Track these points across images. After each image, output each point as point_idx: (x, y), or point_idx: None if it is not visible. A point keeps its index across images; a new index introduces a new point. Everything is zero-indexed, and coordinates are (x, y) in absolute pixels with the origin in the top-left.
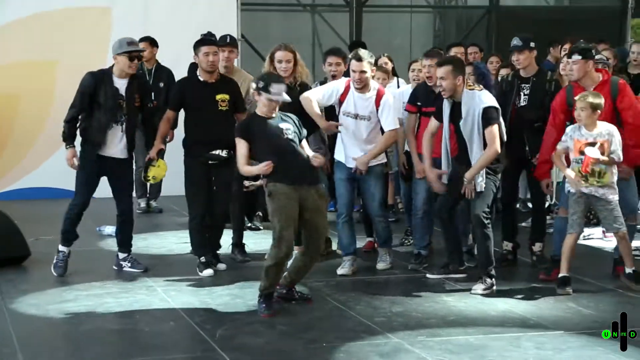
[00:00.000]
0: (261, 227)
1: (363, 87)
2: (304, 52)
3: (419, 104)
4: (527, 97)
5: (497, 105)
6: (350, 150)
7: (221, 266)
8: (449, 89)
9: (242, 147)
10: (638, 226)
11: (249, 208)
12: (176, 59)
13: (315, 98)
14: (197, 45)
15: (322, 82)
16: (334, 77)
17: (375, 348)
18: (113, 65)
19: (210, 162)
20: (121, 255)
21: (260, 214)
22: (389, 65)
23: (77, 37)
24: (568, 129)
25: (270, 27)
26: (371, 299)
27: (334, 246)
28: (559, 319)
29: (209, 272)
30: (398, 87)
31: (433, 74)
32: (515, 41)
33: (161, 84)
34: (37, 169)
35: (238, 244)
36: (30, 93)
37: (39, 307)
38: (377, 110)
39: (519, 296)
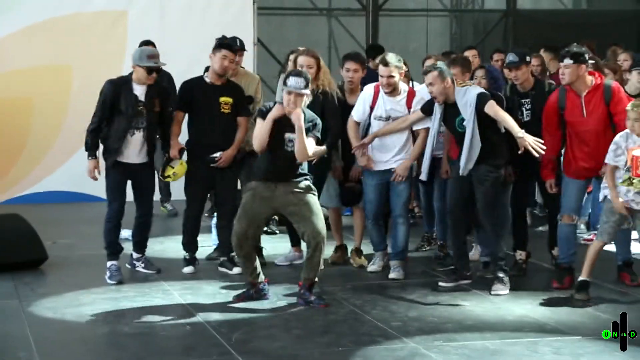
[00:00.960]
0: (277, 231)
1: (392, 90)
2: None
3: None
4: (529, 112)
5: (487, 92)
6: (381, 156)
7: (236, 270)
8: (440, 92)
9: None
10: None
11: None
12: (191, 62)
13: (358, 119)
14: (219, 47)
15: (340, 87)
16: (350, 83)
17: (391, 353)
18: (132, 72)
19: (212, 164)
20: (135, 256)
21: (277, 217)
22: (404, 69)
23: (92, 41)
24: (617, 139)
25: (286, 31)
26: (387, 304)
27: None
28: (577, 324)
29: (189, 269)
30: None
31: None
32: (512, 57)
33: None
34: (53, 173)
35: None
36: (46, 97)
37: (56, 310)
38: (410, 111)
39: (536, 301)
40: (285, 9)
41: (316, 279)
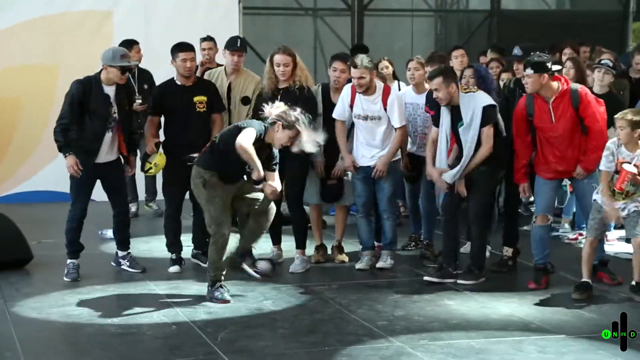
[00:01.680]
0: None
1: (366, 90)
2: (305, 55)
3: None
4: None
5: (494, 103)
6: (365, 151)
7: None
8: (445, 98)
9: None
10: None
11: None
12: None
13: (339, 117)
14: (175, 50)
15: (325, 85)
16: (336, 82)
17: (377, 352)
18: (100, 72)
19: (188, 163)
20: (120, 254)
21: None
22: (390, 69)
23: (78, 41)
24: (609, 144)
25: (272, 31)
26: (373, 303)
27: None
28: (561, 322)
29: (175, 268)
30: (399, 90)
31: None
32: (516, 50)
33: (145, 86)
34: (39, 172)
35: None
36: (32, 97)
37: (41, 310)
38: (386, 109)
39: (521, 300)
40: (270, 8)
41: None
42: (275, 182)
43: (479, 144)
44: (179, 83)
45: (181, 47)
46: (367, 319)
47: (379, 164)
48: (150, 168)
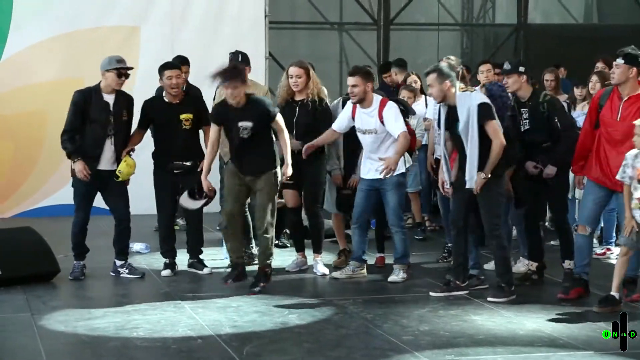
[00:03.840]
0: (288, 245)
1: (361, 101)
2: (331, 70)
3: None
4: (527, 120)
5: (490, 103)
6: (370, 164)
7: (206, 270)
8: (438, 95)
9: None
10: None
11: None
12: (203, 77)
13: (335, 128)
14: (161, 69)
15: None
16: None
17: None
18: (99, 82)
19: (175, 171)
20: (118, 263)
21: (288, 231)
22: (418, 84)
23: (104, 56)
24: (628, 154)
25: (298, 45)
26: (398, 317)
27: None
28: (589, 338)
29: (167, 272)
30: (426, 105)
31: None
32: (505, 65)
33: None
34: (67, 185)
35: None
36: (59, 112)
37: (67, 323)
38: (382, 122)
39: (548, 315)
40: (296, 23)
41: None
42: (288, 168)
43: (483, 150)
44: (166, 100)
45: (166, 66)
46: (393, 333)
47: (387, 161)
48: (117, 176)
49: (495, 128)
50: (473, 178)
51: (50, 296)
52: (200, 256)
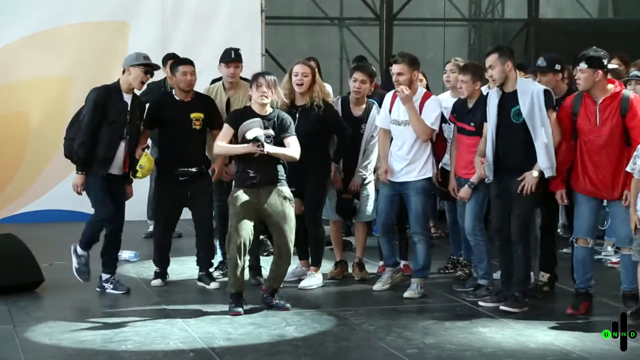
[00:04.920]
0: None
1: (360, 98)
2: (331, 66)
3: (455, 115)
4: None
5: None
6: (395, 164)
7: (214, 285)
8: (499, 77)
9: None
10: None
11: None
12: (198, 74)
13: (382, 125)
14: (175, 65)
15: (345, 98)
16: (356, 93)
17: None
18: (118, 80)
19: (180, 178)
20: (104, 277)
21: None
22: (423, 82)
23: (93, 52)
24: (638, 151)
25: (296, 41)
26: (402, 329)
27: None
28: (603, 352)
29: (157, 282)
30: None
31: (465, 90)
32: (540, 61)
33: None
34: (51, 190)
35: (253, 266)
36: (43, 112)
37: (52, 336)
38: (421, 113)
39: (561, 327)
40: (294, 18)
41: (280, 285)
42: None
43: (530, 147)
44: (177, 98)
45: (181, 61)
46: (396, 346)
47: (400, 98)
48: (137, 171)
49: (555, 119)
50: (553, 166)
51: (34, 307)
52: (210, 269)
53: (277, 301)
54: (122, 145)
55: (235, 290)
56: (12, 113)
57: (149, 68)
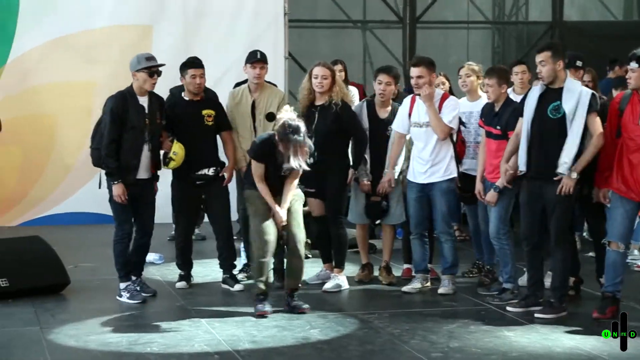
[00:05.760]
0: (309, 255)
1: (386, 101)
2: (354, 70)
3: (483, 120)
4: None
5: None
6: (419, 166)
7: (238, 287)
8: (549, 75)
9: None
10: None
11: None
12: (220, 78)
13: (401, 132)
14: (184, 67)
15: (370, 101)
16: (381, 95)
17: None
18: (131, 85)
19: (197, 182)
20: (125, 283)
21: (309, 241)
22: (446, 86)
23: (116, 57)
24: None
25: (319, 44)
26: (427, 333)
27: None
28: (631, 357)
29: (181, 284)
30: None
31: (491, 93)
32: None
33: None
34: (76, 193)
35: (278, 269)
36: (69, 115)
37: (78, 338)
38: (440, 112)
39: (587, 332)
40: (317, 21)
41: (299, 285)
42: (282, 211)
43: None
44: (187, 98)
45: (190, 64)
46: (421, 350)
47: (422, 96)
48: (171, 158)
49: (599, 123)
50: (566, 164)
51: (59, 309)
52: (233, 271)
53: (295, 301)
54: (146, 148)
55: (262, 290)
56: (37, 116)
57: (155, 69)
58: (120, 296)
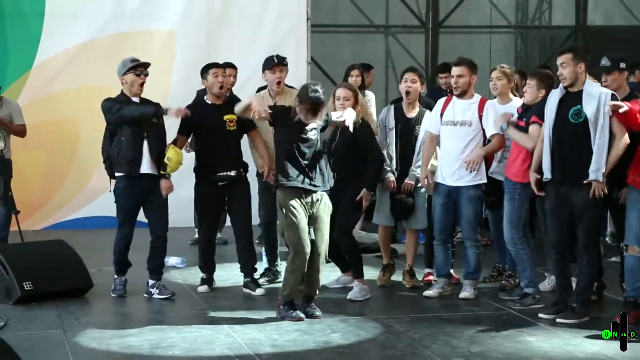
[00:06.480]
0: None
1: (463, 93)
2: (376, 74)
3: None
4: None
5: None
6: (447, 167)
7: (259, 291)
8: (570, 77)
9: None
10: None
11: None
12: (243, 82)
13: (434, 132)
14: (206, 68)
15: (397, 104)
16: (407, 93)
17: None
18: (122, 91)
19: (220, 183)
20: (151, 282)
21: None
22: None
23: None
24: None
25: (342, 50)
26: (448, 337)
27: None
28: None
29: (203, 288)
30: None
31: (529, 94)
32: (604, 61)
33: None
34: (100, 197)
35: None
36: (92, 119)
37: (101, 341)
38: (480, 117)
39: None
40: (340, 26)
41: (316, 293)
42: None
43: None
44: (209, 102)
45: (211, 64)
46: (442, 354)
47: (473, 155)
48: (166, 164)
49: (621, 124)
50: (600, 170)
51: (83, 312)
52: (255, 275)
53: (309, 309)
54: (145, 144)
55: (293, 297)
56: (61, 120)
57: (141, 69)
58: (114, 290)
